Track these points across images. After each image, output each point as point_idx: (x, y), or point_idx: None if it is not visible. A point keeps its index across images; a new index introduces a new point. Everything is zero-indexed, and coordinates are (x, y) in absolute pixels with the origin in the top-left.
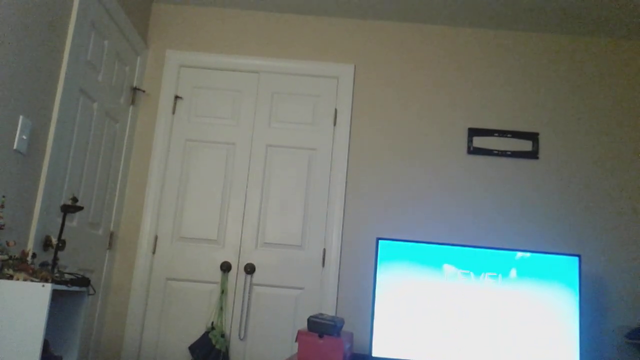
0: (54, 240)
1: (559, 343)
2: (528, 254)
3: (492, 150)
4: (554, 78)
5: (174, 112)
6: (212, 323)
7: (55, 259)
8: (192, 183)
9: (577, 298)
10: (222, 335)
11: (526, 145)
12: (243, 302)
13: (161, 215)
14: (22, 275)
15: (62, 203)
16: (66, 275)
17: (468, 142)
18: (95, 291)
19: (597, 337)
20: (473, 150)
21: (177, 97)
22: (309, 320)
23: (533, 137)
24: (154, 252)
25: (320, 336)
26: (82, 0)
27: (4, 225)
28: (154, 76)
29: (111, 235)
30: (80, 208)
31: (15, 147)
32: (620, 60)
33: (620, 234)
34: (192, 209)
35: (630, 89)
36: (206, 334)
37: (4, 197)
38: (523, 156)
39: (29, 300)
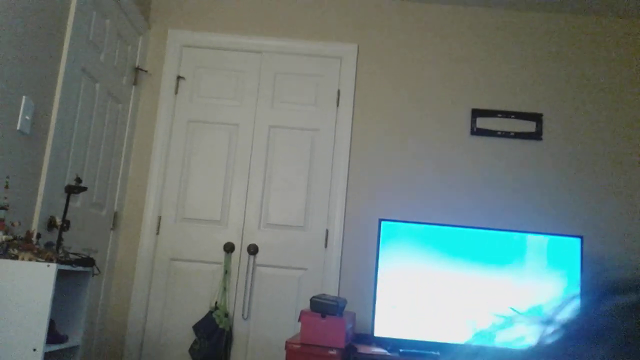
0: (59, 221)
1: None
2: (530, 235)
3: (495, 131)
4: (558, 58)
5: (176, 93)
6: (216, 303)
7: (60, 239)
8: (195, 164)
9: (579, 279)
10: (226, 315)
11: (530, 126)
12: (246, 282)
13: (164, 196)
14: (27, 255)
15: (66, 184)
16: (71, 256)
17: (471, 122)
18: (99, 271)
19: None
20: (476, 131)
21: (179, 78)
22: (311, 300)
23: (537, 118)
24: (157, 233)
25: (323, 316)
26: None
27: (8, 206)
28: (156, 56)
29: (115, 215)
30: (84, 189)
31: (18, 127)
32: (626, 40)
33: (623, 215)
34: (196, 189)
35: (634, 69)
36: (210, 313)
37: (8, 177)
38: (527, 137)
39: (35, 280)
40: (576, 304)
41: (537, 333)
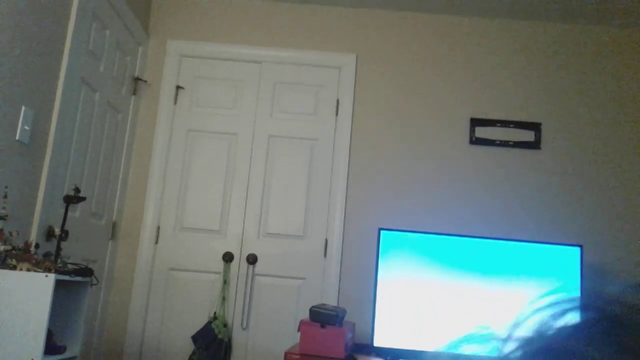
0: (57, 231)
1: None
2: (530, 244)
3: (494, 141)
4: (556, 68)
5: (175, 102)
6: (215, 313)
7: (58, 249)
8: (194, 173)
9: (579, 288)
10: (225, 325)
11: (528, 136)
12: (245, 292)
13: (163, 205)
14: (26, 265)
15: (64, 193)
16: (69, 266)
17: (470, 132)
18: (98, 281)
19: None
20: (475, 141)
21: (178, 87)
22: (311, 310)
23: (535, 127)
24: (156, 242)
25: (323, 326)
26: None
27: (7, 216)
28: (155, 66)
29: (114, 225)
30: (83, 198)
31: (17, 137)
32: (624, 49)
33: (622, 224)
34: (195, 199)
35: (633, 78)
36: (209, 323)
37: (6, 187)
38: (525, 146)
39: (33, 291)
40: (534, 321)
41: (498, 349)
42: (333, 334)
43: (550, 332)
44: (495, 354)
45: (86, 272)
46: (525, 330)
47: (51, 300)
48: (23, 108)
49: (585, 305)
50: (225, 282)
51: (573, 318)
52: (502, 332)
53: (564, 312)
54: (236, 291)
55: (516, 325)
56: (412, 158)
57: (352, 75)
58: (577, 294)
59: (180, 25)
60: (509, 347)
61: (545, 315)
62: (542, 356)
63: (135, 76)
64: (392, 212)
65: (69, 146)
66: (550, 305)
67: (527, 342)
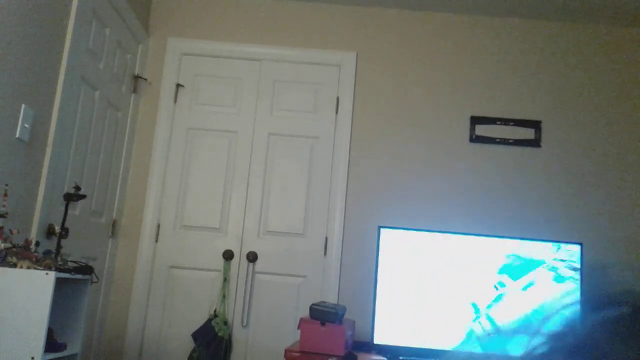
0: (57, 229)
1: None
2: (530, 242)
3: (494, 139)
4: (556, 66)
5: (175, 101)
6: (215, 310)
7: (59, 247)
8: (195, 171)
9: (579, 286)
10: (225, 323)
11: (529, 134)
12: (245, 290)
13: (164, 203)
14: (26, 263)
15: (64, 191)
16: (69, 263)
17: (470, 130)
18: (98, 279)
19: None
20: (475, 139)
21: (178, 85)
22: (311, 307)
23: (536, 125)
24: (156, 240)
25: (323, 324)
26: None
27: (7, 214)
28: (155, 64)
29: (114, 223)
30: (83, 196)
31: (17, 135)
32: (625, 48)
33: (622, 221)
34: (195, 197)
35: (634, 77)
36: (209, 321)
37: (7, 185)
38: (526, 144)
39: (33, 288)
40: (562, 316)
41: (524, 343)
42: (333, 331)
43: (581, 327)
44: (522, 349)
45: (86, 269)
46: (554, 325)
47: (51, 298)
48: (23, 106)
49: (614, 301)
50: (225, 280)
51: (603, 314)
52: (532, 328)
53: (593, 308)
54: (236, 289)
55: (545, 320)
56: (412, 156)
57: (352, 73)
58: (582, 293)
59: (181, 23)
60: (537, 341)
61: (573, 310)
62: (572, 351)
63: (136, 74)
64: (392, 210)
65: (69, 144)
66: (578, 301)
67: (556, 337)
